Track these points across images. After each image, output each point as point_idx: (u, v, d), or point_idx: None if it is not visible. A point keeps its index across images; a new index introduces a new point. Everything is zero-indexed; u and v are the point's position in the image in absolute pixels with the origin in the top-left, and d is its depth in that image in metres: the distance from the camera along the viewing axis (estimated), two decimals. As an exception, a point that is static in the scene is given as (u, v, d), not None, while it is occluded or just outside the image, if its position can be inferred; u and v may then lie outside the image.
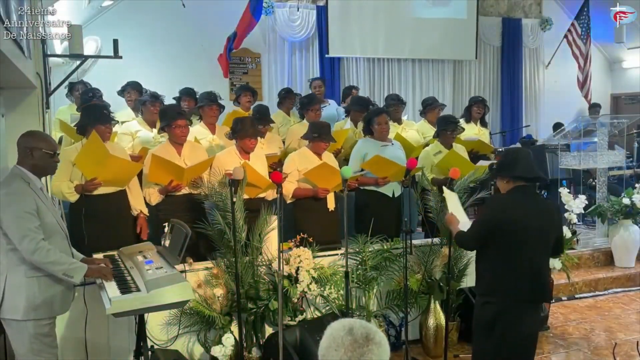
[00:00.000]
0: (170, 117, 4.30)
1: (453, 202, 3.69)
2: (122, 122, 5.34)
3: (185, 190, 4.32)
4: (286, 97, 6.37)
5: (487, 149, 6.00)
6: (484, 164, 5.14)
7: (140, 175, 4.36)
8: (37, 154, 3.00)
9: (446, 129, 5.14)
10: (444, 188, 3.81)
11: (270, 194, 4.39)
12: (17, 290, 2.92)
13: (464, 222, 3.42)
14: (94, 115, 4.09)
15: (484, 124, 6.55)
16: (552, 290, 3.29)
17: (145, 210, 4.33)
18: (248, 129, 4.33)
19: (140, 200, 4.32)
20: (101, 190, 4.05)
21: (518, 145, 7.75)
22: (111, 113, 4.26)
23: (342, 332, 1.58)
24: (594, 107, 9.45)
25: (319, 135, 4.55)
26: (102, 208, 4.04)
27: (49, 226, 2.97)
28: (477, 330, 3.18)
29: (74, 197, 4.02)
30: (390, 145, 4.93)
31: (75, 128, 4.22)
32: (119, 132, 5.21)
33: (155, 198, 4.31)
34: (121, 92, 5.90)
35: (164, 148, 4.34)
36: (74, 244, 3.26)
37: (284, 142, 5.71)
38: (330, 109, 6.58)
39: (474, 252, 3.23)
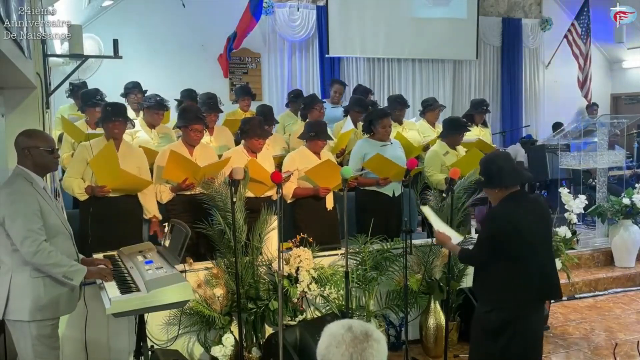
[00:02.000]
0: (189, 119, 4.34)
1: (433, 218, 3.69)
2: None
3: (189, 191, 4.33)
4: (296, 99, 6.41)
5: (489, 148, 6.02)
6: None
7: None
8: (35, 153, 2.98)
9: (457, 132, 5.17)
10: (422, 207, 3.83)
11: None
12: (22, 291, 2.90)
13: (454, 237, 3.43)
14: (104, 113, 4.19)
15: (484, 124, 6.60)
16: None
17: (159, 215, 4.37)
18: (256, 129, 4.36)
19: (154, 204, 4.35)
20: (111, 193, 4.12)
21: (518, 145, 7.76)
22: (123, 112, 4.28)
23: (342, 330, 1.60)
24: (591, 107, 9.50)
25: (315, 134, 4.56)
26: (110, 210, 4.09)
27: (52, 227, 2.96)
28: (479, 338, 3.13)
29: (83, 197, 4.10)
30: (390, 145, 4.92)
31: (78, 125, 4.23)
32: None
33: (166, 196, 4.33)
34: (125, 95, 5.88)
35: (177, 147, 4.37)
36: (81, 244, 3.26)
37: (288, 143, 5.73)
38: (338, 110, 6.58)
39: (476, 266, 3.21)
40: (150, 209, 4.33)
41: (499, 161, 3.09)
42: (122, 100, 5.88)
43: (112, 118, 4.13)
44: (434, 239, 3.53)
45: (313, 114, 5.59)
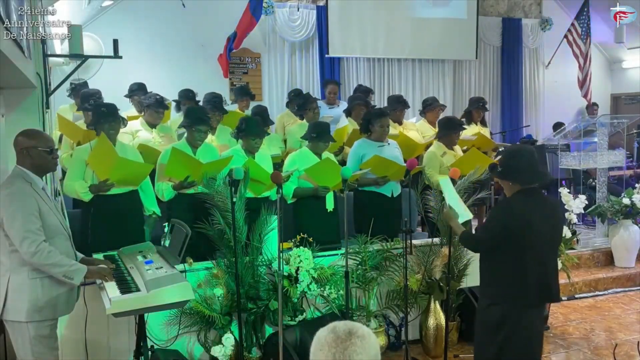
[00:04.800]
0: (193, 120, 4.34)
1: (448, 192, 3.67)
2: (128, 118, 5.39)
3: (188, 190, 4.32)
4: (295, 99, 6.39)
5: (489, 144, 6.01)
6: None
7: (152, 174, 4.38)
8: (34, 153, 2.97)
9: (453, 131, 5.17)
10: (439, 177, 3.78)
11: (275, 194, 4.39)
12: (20, 292, 2.90)
13: (462, 215, 3.42)
14: (94, 117, 4.15)
15: (483, 123, 6.59)
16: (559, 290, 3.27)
17: (158, 211, 4.37)
18: (253, 128, 4.35)
19: (153, 201, 4.36)
20: (112, 191, 4.10)
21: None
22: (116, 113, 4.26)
23: (326, 332, 1.60)
24: (591, 107, 9.50)
25: (317, 135, 4.55)
26: (113, 208, 4.09)
27: (51, 227, 2.96)
28: (481, 332, 3.15)
29: (87, 197, 4.07)
30: (387, 145, 4.93)
31: (78, 124, 4.22)
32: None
33: (168, 194, 4.31)
34: (129, 96, 5.88)
35: (180, 146, 4.36)
36: (85, 243, 3.26)
37: (285, 142, 5.72)
38: (339, 110, 6.57)
39: (475, 252, 3.22)
40: (151, 207, 4.33)
41: (523, 157, 3.05)
42: (126, 101, 5.89)
43: (107, 119, 4.09)
44: (443, 213, 3.51)
45: (308, 115, 5.58)
